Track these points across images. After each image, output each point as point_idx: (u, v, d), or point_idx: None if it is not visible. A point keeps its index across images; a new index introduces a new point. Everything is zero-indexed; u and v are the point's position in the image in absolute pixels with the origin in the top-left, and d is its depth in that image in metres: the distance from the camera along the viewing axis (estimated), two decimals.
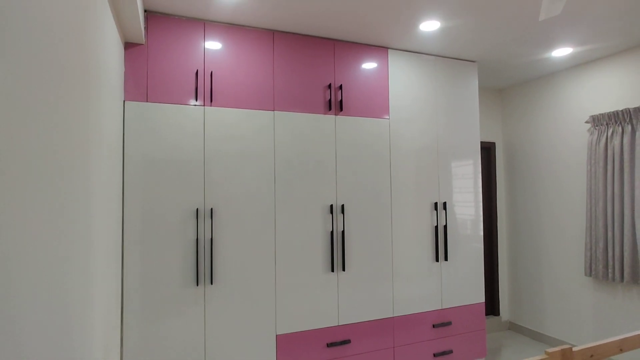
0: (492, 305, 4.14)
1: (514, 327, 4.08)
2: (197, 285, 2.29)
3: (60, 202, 0.99)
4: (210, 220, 2.35)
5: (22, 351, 0.74)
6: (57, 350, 0.97)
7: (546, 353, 1.59)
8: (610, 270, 3.07)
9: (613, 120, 3.09)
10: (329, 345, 2.61)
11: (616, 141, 3.05)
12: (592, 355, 1.71)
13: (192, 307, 2.30)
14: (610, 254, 3.06)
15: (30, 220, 0.78)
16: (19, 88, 0.72)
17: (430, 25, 2.60)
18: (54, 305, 0.95)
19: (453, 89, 3.18)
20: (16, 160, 0.71)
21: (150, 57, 2.28)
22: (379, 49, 2.92)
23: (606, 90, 3.25)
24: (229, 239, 2.40)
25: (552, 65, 3.47)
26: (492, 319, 4.08)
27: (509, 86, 4.16)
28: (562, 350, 1.60)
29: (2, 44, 0.65)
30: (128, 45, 2.24)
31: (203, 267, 2.33)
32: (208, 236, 2.35)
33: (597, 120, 3.21)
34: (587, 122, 3.29)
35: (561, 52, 3.12)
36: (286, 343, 2.51)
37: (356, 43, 2.85)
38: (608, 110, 3.22)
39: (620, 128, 3.04)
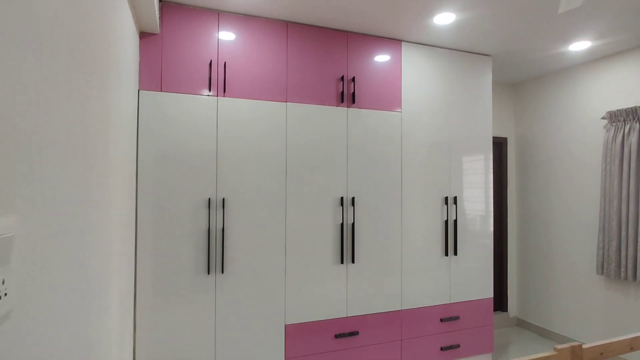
0: (500, 301, 4.13)
1: (521, 324, 4.07)
2: (208, 273, 2.33)
3: (82, 190, 1.01)
4: (222, 210, 2.38)
5: (51, 329, 0.77)
6: (78, 330, 1.00)
7: (555, 349, 1.58)
8: (622, 269, 3.03)
9: (631, 116, 3.03)
10: (337, 336, 2.64)
11: (633, 138, 2.99)
12: (602, 353, 1.70)
13: (203, 295, 2.33)
14: (623, 253, 3.03)
15: (56, 206, 0.80)
16: (48, 79, 0.74)
17: (445, 18, 2.56)
18: (77, 288, 0.97)
19: (466, 83, 3.15)
20: (42, 150, 0.73)
21: (164, 46, 2.30)
22: (393, 42, 2.89)
23: (624, 85, 3.18)
24: (240, 229, 2.42)
25: (569, 59, 3.40)
26: (500, 314, 4.07)
27: (523, 81, 4.09)
28: (572, 347, 1.60)
29: (27, 37, 0.67)
30: (143, 35, 2.26)
31: (214, 256, 2.36)
32: (220, 226, 2.37)
33: (614, 117, 3.15)
34: (603, 118, 3.23)
35: (579, 45, 3.06)
36: (295, 333, 2.54)
37: (370, 35, 2.83)
38: (626, 106, 3.15)
39: (637, 124, 2.98)
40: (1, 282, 0.56)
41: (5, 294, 0.57)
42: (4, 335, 0.59)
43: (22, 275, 0.65)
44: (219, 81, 2.40)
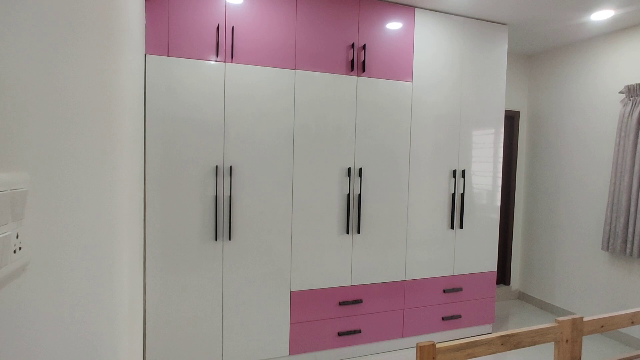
0: (503, 274, 4.17)
1: (523, 297, 4.13)
2: (216, 240, 2.37)
3: (93, 147, 1.01)
4: (229, 177, 2.39)
5: (65, 282, 0.79)
6: (91, 284, 1.02)
7: (556, 321, 1.61)
8: (628, 246, 3.03)
9: None
10: (341, 303, 2.70)
11: None
12: (602, 326, 1.72)
13: (211, 261, 2.38)
14: (630, 229, 3.01)
15: (68, 162, 0.81)
16: (56, 35, 0.72)
17: None
18: (88, 243, 0.99)
19: (480, 53, 3.05)
20: (53, 108, 0.72)
21: (171, 9, 2.24)
22: (406, 8, 2.79)
23: None
24: (247, 197, 2.44)
25: (589, 30, 3.27)
26: (503, 287, 4.12)
27: (539, 52, 3.96)
28: (573, 319, 1.62)
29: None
30: None
31: (222, 223, 2.39)
32: (227, 193, 2.39)
33: (633, 91, 3.05)
34: (621, 92, 3.13)
35: (601, 15, 2.93)
36: (300, 299, 2.60)
37: (382, 1, 2.72)
38: None
39: None
40: (16, 236, 0.57)
41: (20, 248, 0.58)
42: (21, 288, 0.60)
43: (36, 229, 0.66)
44: (226, 46, 2.35)
